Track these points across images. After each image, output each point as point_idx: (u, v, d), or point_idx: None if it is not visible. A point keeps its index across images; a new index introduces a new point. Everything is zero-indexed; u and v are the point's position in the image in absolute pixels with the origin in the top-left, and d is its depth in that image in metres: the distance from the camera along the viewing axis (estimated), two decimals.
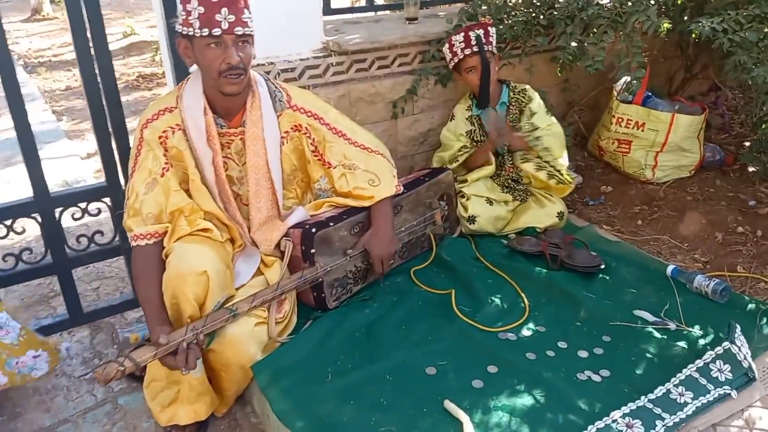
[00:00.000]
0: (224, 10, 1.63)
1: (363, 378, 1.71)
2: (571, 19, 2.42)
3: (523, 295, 2.07)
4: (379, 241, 2.02)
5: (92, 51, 1.96)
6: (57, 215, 2.08)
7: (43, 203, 2.04)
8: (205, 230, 1.80)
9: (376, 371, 1.73)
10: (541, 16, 2.49)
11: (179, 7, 1.68)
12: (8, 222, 2.02)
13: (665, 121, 2.77)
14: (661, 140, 2.80)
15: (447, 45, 2.44)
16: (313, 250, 1.90)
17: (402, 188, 2.12)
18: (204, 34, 1.64)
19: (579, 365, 1.77)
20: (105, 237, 2.21)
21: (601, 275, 2.16)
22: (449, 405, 1.62)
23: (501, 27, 2.53)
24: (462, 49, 2.39)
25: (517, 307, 2.02)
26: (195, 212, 1.83)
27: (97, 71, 1.98)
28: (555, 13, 2.46)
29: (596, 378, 1.73)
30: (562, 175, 2.44)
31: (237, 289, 1.85)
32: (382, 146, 2.11)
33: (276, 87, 1.93)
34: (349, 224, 2.00)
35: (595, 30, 2.39)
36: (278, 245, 1.96)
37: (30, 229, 2.11)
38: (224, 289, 1.75)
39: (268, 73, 2.24)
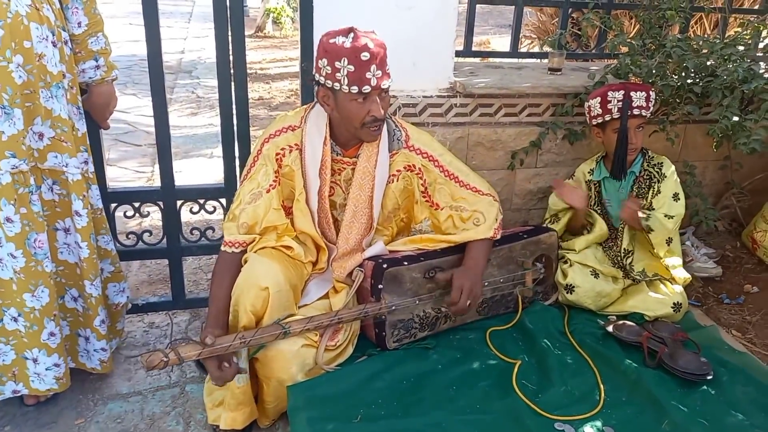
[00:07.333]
0: (373, 67, 1.66)
1: (390, 429, 1.63)
2: (730, 91, 2.11)
3: (602, 386, 1.83)
4: (463, 273, 1.88)
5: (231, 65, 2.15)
6: (178, 206, 2.29)
7: (168, 193, 2.26)
8: (287, 248, 1.86)
9: (406, 426, 1.64)
10: (697, 84, 2.20)
11: (322, 60, 1.69)
12: (137, 204, 2.28)
13: None
14: None
15: (599, 99, 2.17)
16: (380, 286, 1.87)
17: (499, 234, 2.01)
18: (354, 91, 1.67)
19: None
20: (215, 234, 2.39)
21: (705, 387, 1.84)
22: None
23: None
24: (619, 109, 2.14)
25: (590, 398, 1.79)
26: (287, 232, 1.90)
27: (232, 83, 2.17)
28: (712, 82, 2.16)
29: None
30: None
31: (300, 307, 1.88)
32: (493, 191, 2.05)
33: (396, 125, 1.95)
34: (424, 267, 1.93)
35: (757, 105, 2.07)
36: (350, 274, 1.96)
37: (154, 215, 2.35)
38: (285, 308, 1.77)
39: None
